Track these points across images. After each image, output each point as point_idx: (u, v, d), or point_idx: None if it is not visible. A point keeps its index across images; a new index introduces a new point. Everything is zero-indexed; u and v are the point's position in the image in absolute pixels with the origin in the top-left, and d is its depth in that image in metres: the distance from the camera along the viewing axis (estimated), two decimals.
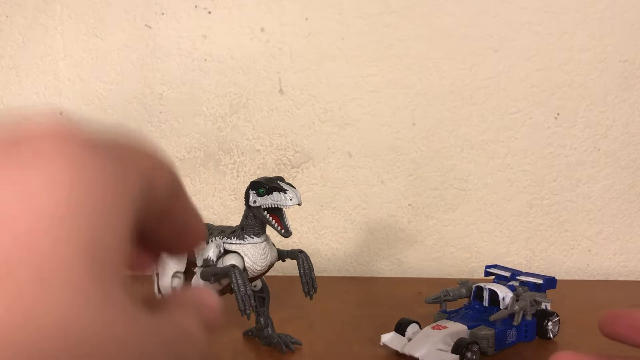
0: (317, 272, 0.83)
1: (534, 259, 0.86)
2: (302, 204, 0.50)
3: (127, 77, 0.83)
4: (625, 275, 0.87)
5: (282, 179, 0.50)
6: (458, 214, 0.85)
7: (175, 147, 0.84)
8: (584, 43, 0.82)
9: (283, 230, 0.50)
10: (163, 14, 0.81)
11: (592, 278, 0.86)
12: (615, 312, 0.31)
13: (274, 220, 0.50)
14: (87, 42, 0.82)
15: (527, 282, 0.61)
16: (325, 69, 0.82)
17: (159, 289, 0.51)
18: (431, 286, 0.78)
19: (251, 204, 0.50)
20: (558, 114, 0.83)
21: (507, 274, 0.63)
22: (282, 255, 0.54)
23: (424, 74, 0.82)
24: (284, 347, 0.55)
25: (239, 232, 0.51)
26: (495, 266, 0.66)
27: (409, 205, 0.85)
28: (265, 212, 0.49)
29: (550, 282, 0.60)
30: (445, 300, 0.59)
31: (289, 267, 0.63)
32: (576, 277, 0.86)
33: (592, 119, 0.84)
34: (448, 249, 0.86)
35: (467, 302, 0.60)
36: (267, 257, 0.51)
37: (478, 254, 0.86)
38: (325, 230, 0.85)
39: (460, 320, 0.56)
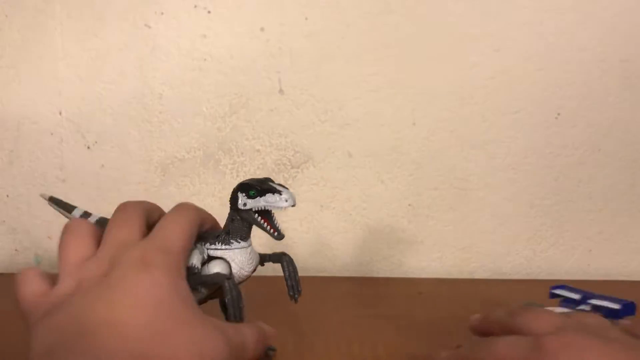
0: (317, 272, 0.83)
1: (534, 259, 0.86)
2: (302, 204, 0.49)
3: (127, 76, 0.83)
4: (626, 276, 0.87)
5: (271, 180, 0.48)
6: (458, 214, 0.85)
7: (175, 147, 0.84)
8: (584, 43, 0.82)
9: (276, 233, 0.47)
10: (162, 13, 0.81)
11: (593, 278, 0.86)
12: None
13: (265, 223, 0.47)
14: (86, 42, 0.82)
15: (601, 306, 0.51)
16: (325, 68, 0.82)
17: None
18: (432, 286, 0.78)
19: (240, 206, 0.48)
20: (559, 113, 0.83)
21: (577, 297, 0.54)
22: (262, 258, 0.51)
23: (424, 74, 0.82)
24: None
25: (224, 236, 0.49)
26: (562, 287, 0.56)
27: (409, 205, 0.85)
28: (257, 215, 0.47)
29: (628, 308, 0.50)
30: None
31: None
32: (577, 278, 0.86)
33: (593, 119, 0.83)
34: (448, 249, 0.86)
35: None
36: (253, 261, 0.49)
37: (479, 254, 0.86)
38: (325, 230, 0.85)
39: None
